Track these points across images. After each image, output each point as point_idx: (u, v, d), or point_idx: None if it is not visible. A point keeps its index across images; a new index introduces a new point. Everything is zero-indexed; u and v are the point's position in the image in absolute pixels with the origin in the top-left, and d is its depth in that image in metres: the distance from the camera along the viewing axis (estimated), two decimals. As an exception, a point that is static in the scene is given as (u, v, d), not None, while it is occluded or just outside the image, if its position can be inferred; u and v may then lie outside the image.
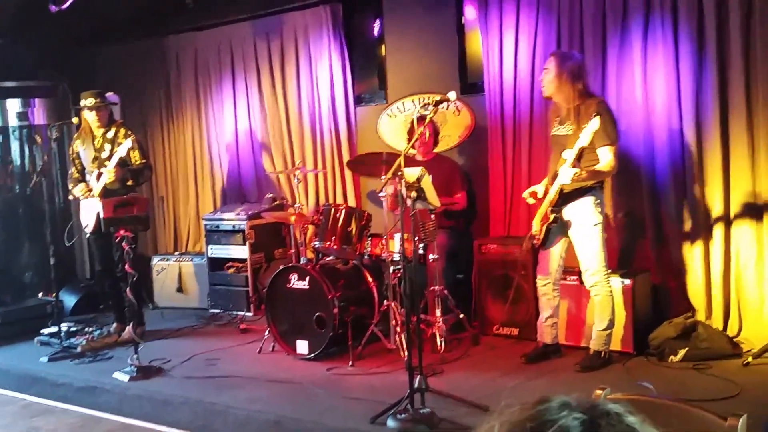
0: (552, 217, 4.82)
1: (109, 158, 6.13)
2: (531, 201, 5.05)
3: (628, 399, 2.00)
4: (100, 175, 6.18)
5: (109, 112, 6.40)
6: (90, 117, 6.26)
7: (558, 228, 4.91)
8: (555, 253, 5.03)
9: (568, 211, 4.86)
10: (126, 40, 8.35)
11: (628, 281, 5.11)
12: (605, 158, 4.70)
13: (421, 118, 5.81)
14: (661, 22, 5.29)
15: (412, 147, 5.57)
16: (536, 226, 4.98)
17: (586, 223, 4.82)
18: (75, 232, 6.59)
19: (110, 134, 6.28)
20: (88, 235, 6.60)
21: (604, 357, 4.92)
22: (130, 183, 6.30)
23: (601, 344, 4.91)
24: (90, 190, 6.29)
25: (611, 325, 4.90)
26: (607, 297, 4.86)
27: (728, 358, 4.87)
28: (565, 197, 4.81)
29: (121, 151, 6.02)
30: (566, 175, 4.64)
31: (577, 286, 5.21)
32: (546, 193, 4.92)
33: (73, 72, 8.16)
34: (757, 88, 4.97)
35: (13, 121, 7.88)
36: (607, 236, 4.97)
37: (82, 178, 6.45)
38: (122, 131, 6.27)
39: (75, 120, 6.57)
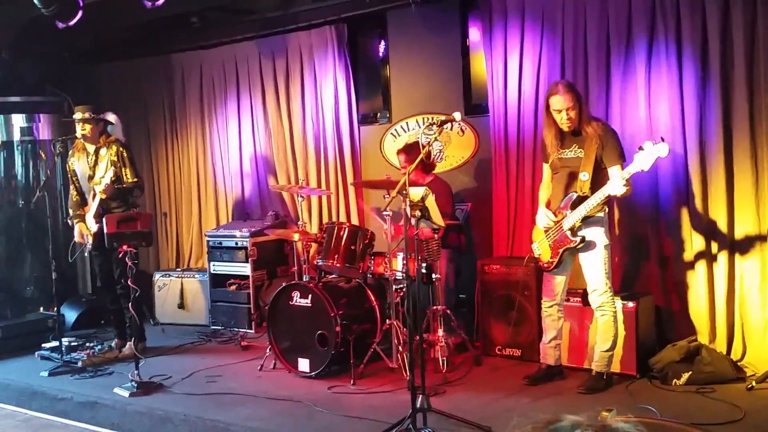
0: (579, 239, 4.81)
1: (104, 175, 6.12)
2: (550, 225, 4.98)
3: (636, 421, 1.99)
4: (95, 195, 6.18)
5: (100, 128, 6.32)
6: (77, 130, 6.25)
7: (570, 252, 4.91)
8: (566, 276, 5.04)
9: (583, 234, 4.86)
10: (131, 57, 8.41)
11: (631, 304, 5.10)
12: (621, 177, 4.64)
13: (414, 145, 5.85)
14: (665, 47, 5.32)
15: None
16: (547, 252, 4.97)
17: (598, 245, 4.83)
18: (77, 247, 6.58)
19: (103, 151, 6.25)
20: (87, 252, 6.61)
21: (606, 378, 4.91)
22: (115, 205, 6.23)
23: (603, 365, 4.91)
24: (83, 233, 6.32)
25: (614, 346, 4.91)
26: (611, 318, 4.87)
27: (732, 382, 4.85)
28: (582, 220, 4.81)
29: (105, 177, 6.01)
30: (618, 190, 4.59)
31: (579, 307, 5.21)
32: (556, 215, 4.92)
33: (78, 88, 8.19)
34: (761, 113, 5.00)
35: (17, 136, 7.91)
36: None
37: (81, 199, 6.44)
38: (114, 148, 6.23)
39: (79, 135, 6.59)
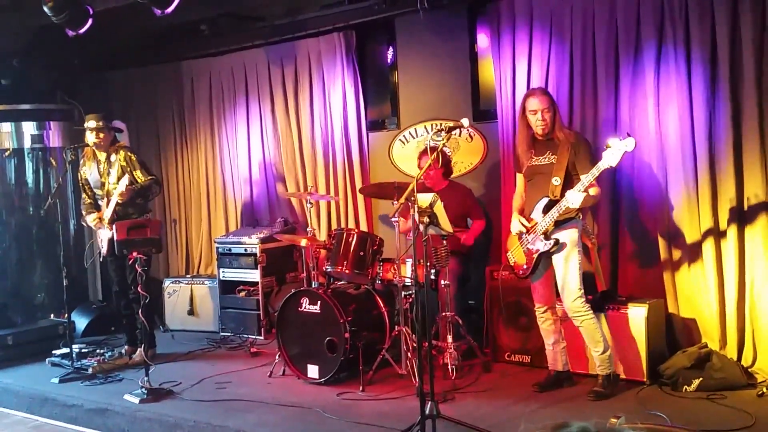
0: (552, 242, 4.84)
1: (117, 182, 6.14)
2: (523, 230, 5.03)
3: (644, 428, 1.99)
4: (109, 201, 6.21)
5: (112, 136, 6.40)
6: (91, 138, 6.28)
7: (545, 256, 4.94)
8: (550, 280, 5.05)
9: (557, 237, 4.89)
10: (142, 65, 8.46)
11: (642, 310, 5.08)
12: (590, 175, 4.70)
13: (429, 149, 5.83)
14: (674, 52, 5.30)
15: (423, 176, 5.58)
16: (522, 257, 5.02)
17: (572, 249, 4.85)
18: (90, 254, 6.62)
19: (113, 158, 6.30)
20: (102, 258, 6.63)
21: (612, 379, 4.91)
22: (139, 201, 6.31)
23: (607, 367, 4.91)
24: (101, 219, 6.33)
25: (607, 345, 4.91)
26: (591, 319, 4.88)
27: (743, 388, 4.83)
28: (556, 224, 4.84)
29: (120, 186, 6.04)
30: (577, 199, 4.66)
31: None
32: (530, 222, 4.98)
33: (88, 95, 8.25)
34: (771, 118, 4.98)
35: (28, 143, 7.95)
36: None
37: (94, 203, 6.48)
38: (122, 154, 6.28)
39: (91, 143, 6.62)
